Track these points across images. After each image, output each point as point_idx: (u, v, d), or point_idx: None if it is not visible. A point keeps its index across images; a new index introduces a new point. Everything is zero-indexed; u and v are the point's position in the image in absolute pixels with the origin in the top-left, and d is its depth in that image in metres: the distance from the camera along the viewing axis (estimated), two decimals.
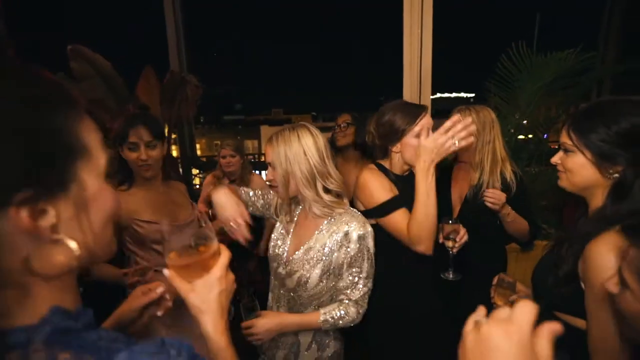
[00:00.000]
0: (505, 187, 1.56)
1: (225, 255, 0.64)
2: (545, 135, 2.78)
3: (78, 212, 0.39)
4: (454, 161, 1.81)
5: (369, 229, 1.14)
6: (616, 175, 0.84)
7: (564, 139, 0.92)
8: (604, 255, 0.75)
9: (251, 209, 1.34)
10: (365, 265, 1.14)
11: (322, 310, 1.15)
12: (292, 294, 1.21)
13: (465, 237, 1.28)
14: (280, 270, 1.23)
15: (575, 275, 0.85)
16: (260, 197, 1.36)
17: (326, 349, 1.23)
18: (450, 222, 1.29)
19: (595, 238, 0.79)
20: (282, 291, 1.25)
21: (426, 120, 1.28)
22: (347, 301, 1.15)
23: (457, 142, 1.15)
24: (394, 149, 1.30)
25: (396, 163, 1.34)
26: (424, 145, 1.16)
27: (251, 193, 1.35)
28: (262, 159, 6.08)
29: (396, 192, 1.29)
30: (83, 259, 0.39)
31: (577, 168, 0.90)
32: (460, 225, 1.29)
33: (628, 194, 0.80)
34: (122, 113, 3.06)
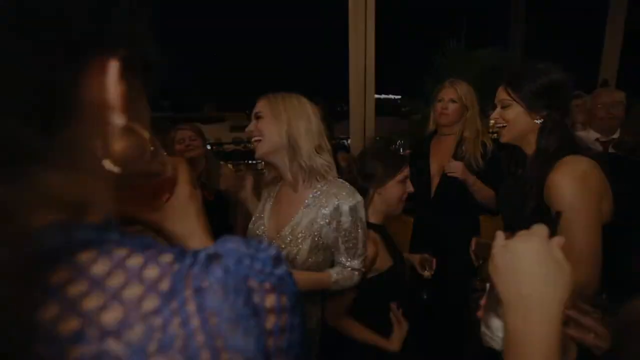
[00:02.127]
0: (484, 153, 1.71)
1: (183, 170, 0.54)
2: None
3: (138, 94, 0.34)
4: (433, 133, 1.90)
5: (359, 198, 1.14)
6: (541, 119, 1.09)
7: (502, 95, 1.13)
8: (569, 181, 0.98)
9: None
10: (360, 234, 1.15)
11: (331, 271, 1.15)
12: None
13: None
14: None
15: (541, 209, 1.00)
16: None
17: (313, 318, 1.24)
18: None
19: (554, 170, 0.98)
20: None
21: (407, 171, 1.35)
22: (349, 267, 1.17)
23: None
24: (379, 190, 1.34)
25: (377, 205, 1.35)
26: None
27: None
28: None
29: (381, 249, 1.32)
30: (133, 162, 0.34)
31: (515, 117, 1.11)
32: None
33: (551, 133, 1.06)
34: None
